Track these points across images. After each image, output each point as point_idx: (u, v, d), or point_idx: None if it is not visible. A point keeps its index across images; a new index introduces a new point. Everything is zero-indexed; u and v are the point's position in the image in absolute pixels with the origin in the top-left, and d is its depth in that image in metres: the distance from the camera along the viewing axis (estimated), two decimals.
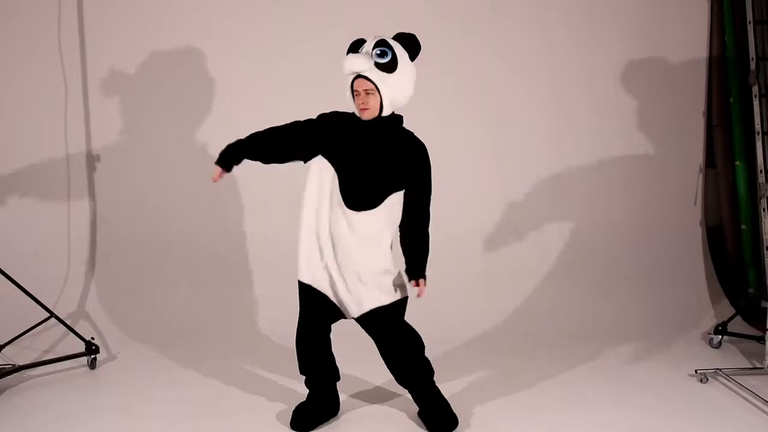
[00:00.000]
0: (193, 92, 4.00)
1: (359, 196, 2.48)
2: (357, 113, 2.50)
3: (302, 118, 2.58)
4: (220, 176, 2.55)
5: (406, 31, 2.51)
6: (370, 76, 2.40)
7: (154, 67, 3.97)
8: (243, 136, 2.58)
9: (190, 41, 3.97)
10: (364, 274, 2.51)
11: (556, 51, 4.10)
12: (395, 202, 2.52)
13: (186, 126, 4.01)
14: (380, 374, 3.04)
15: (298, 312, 2.65)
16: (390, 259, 2.56)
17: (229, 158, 2.55)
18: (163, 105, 4.00)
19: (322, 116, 2.56)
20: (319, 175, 2.52)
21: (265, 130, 2.56)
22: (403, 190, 2.53)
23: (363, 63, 2.39)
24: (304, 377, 2.71)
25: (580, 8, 4.09)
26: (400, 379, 2.67)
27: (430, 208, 2.58)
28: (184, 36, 3.96)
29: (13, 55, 3.91)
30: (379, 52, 2.40)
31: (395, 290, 2.56)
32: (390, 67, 2.41)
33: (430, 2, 4.03)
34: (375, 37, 2.45)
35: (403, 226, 2.57)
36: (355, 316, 2.56)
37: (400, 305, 2.59)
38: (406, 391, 2.72)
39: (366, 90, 2.42)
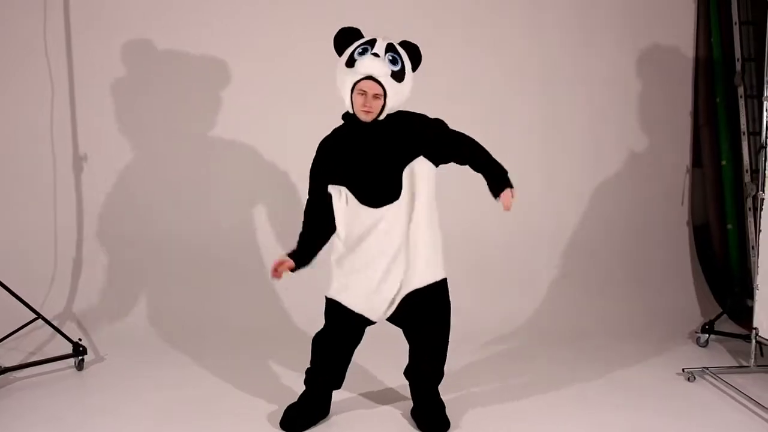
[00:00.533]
0: (182, 91, 3.98)
1: (377, 194, 2.48)
2: (354, 111, 2.47)
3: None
4: (284, 271, 2.56)
5: (412, 41, 2.51)
6: (384, 83, 2.40)
7: (142, 66, 3.95)
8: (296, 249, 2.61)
9: (178, 40, 3.94)
10: (411, 257, 2.51)
11: (547, 52, 4.11)
12: (414, 173, 2.50)
13: (174, 125, 3.99)
14: (376, 372, 3.05)
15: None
16: (435, 235, 2.56)
17: (301, 256, 2.57)
18: (151, 104, 3.98)
19: (320, 148, 2.57)
20: (335, 203, 2.54)
21: (303, 228, 2.60)
22: (416, 160, 2.50)
23: (382, 68, 2.38)
24: (305, 373, 2.69)
25: (573, 10, 4.11)
26: (413, 369, 2.65)
27: (463, 134, 2.59)
28: (173, 34, 3.94)
29: None
30: (391, 57, 2.41)
31: (442, 269, 2.57)
32: (400, 75, 2.43)
33: (424, 2, 4.03)
34: (383, 38, 2.44)
35: (464, 156, 2.57)
36: (409, 291, 2.52)
37: (447, 289, 2.60)
38: (401, 392, 2.72)
39: (375, 94, 2.41)
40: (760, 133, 3.50)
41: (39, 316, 3.28)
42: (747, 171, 3.86)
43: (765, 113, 3.20)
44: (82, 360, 3.22)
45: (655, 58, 4.17)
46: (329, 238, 2.59)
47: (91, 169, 3.98)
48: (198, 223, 4.01)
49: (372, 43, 2.42)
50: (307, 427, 2.62)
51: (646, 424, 2.69)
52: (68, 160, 3.97)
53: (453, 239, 4.00)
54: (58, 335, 3.31)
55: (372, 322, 2.60)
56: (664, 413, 2.77)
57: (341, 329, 2.59)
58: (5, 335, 3.29)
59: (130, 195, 3.99)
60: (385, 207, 2.48)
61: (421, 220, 2.52)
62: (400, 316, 2.57)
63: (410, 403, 2.74)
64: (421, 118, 2.57)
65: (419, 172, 2.51)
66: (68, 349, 3.23)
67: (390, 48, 2.42)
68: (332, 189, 2.54)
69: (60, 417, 2.71)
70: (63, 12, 3.88)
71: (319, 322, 2.67)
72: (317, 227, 2.58)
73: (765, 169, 3.07)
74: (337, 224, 2.55)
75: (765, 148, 3.12)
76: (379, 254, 2.50)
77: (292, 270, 2.58)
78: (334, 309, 2.58)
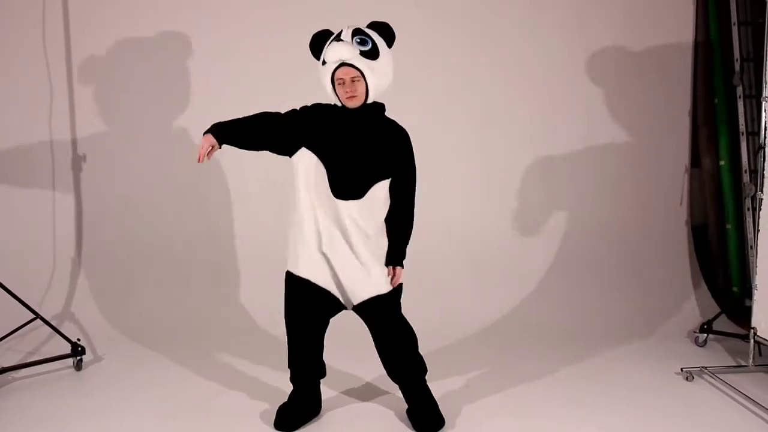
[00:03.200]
0: (180, 90, 3.98)
1: (346, 185, 2.49)
2: (340, 102, 2.49)
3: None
4: (210, 153, 2.47)
5: (379, 20, 2.53)
6: (356, 64, 2.42)
7: (141, 67, 3.95)
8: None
9: (176, 38, 3.95)
10: (360, 262, 2.51)
11: (547, 53, 4.12)
12: (380, 191, 2.53)
13: (173, 125, 3.99)
14: (369, 371, 3.05)
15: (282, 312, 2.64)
16: (383, 247, 2.57)
17: (217, 133, 2.49)
18: (150, 104, 3.98)
19: (304, 108, 2.57)
20: (305, 168, 2.52)
21: (250, 115, 2.54)
22: (388, 180, 2.54)
23: (349, 51, 2.40)
24: (289, 373, 2.70)
25: (572, 10, 4.11)
26: (393, 373, 2.67)
27: (414, 196, 2.60)
28: (171, 33, 3.94)
29: None
30: (359, 40, 2.43)
31: (390, 280, 2.57)
32: (373, 53, 2.44)
33: (424, 2, 4.03)
34: (348, 26, 2.46)
35: (388, 213, 2.57)
36: (355, 303, 2.56)
37: (397, 295, 2.61)
38: (395, 388, 2.73)
39: (353, 77, 2.43)
40: (758, 133, 3.51)
41: (37, 316, 3.28)
42: (746, 171, 3.86)
43: (764, 113, 3.19)
44: (81, 360, 3.22)
45: (653, 58, 4.17)
46: (252, 147, 2.55)
47: (89, 170, 3.98)
48: (196, 224, 4.01)
49: (339, 34, 2.46)
50: (301, 425, 2.63)
51: (644, 423, 2.69)
52: (67, 160, 3.97)
53: (451, 238, 4.05)
54: (57, 335, 3.31)
55: (337, 301, 2.57)
56: (662, 412, 2.77)
57: (310, 307, 2.57)
58: (4, 335, 3.30)
59: (129, 195, 3.99)
60: (346, 201, 2.49)
61: (374, 233, 2.54)
62: (362, 312, 2.59)
63: (403, 401, 2.73)
64: (404, 142, 2.57)
65: (382, 193, 2.54)
66: (67, 349, 3.23)
67: (357, 32, 2.44)
68: (305, 154, 2.50)
69: (58, 417, 2.71)
70: (62, 13, 3.89)
71: None
72: (260, 129, 2.51)
73: (764, 169, 3.07)
74: (298, 184, 2.52)
75: (764, 148, 3.12)
76: (338, 240, 2.50)
77: (219, 143, 2.49)
78: (294, 283, 2.57)
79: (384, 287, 2.55)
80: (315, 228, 2.52)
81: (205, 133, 2.50)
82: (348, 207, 2.49)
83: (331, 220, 2.50)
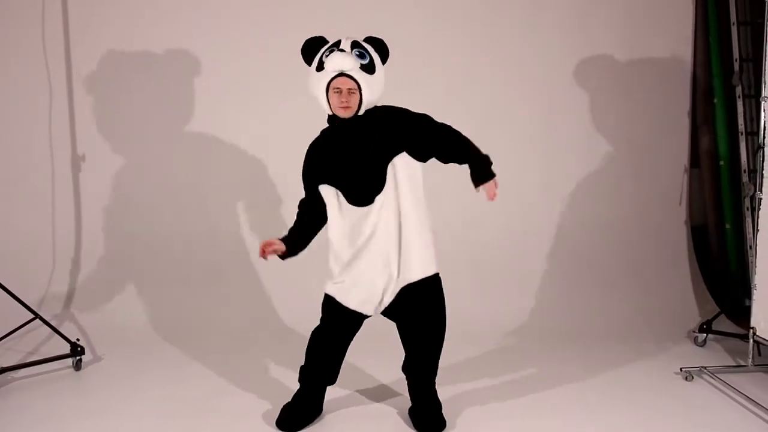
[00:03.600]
0: (179, 92, 3.98)
1: (360, 193, 2.52)
2: (332, 111, 2.50)
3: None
4: (273, 253, 2.61)
5: (376, 36, 2.55)
6: (355, 76, 2.44)
7: (140, 67, 3.95)
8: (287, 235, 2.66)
9: (175, 40, 3.95)
10: (401, 253, 2.54)
11: (546, 53, 4.12)
12: (400, 171, 2.53)
13: (172, 125, 3.99)
14: (372, 371, 3.05)
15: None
16: (425, 230, 2.58)
17: (292, 247, 2.63)
18: (149, 104, 3.98)
19: (306, 159, 2.62)
20: (328, 199, 2.58)
21: (296, 220, 2.67)
22: (401, 155, 2.53)
23: (351, 62, 2.42)
24: (299, 371, 2.69)
25: (572, 11, 4.11)
26: (410, 363, 2.66)
27: (450, 128, 2.64)
28: (170, 35, 3.94)
29: None
30: (358, 53, 2.45)
31: (434, 264, 2.59)
32: (370, 68, 2.47)
33: (424, 2, 4.03)
34: (347, 38, 2.48)
35: (445, 153, 2.60)
36: (405, 284, 2.55)
37: (440, 283, 2.62)
38: (396, 389, 2.72)
39: (349, 89, 2.45)
40: (757, 133, 3.51)
41: (37, 316, 3.28)
42: (745, 171, 3.86)
43: (763, 113, 3.19)
44: (80, 360, 3.22)
45: (653, 58, 4.17)
46: (318, 232, 2.66)
47: (89, 170, 3.98)
48: (195, 224, 4.01)
49: (337, 44, 2.48)
50: (304, 426, 2.63)
51: (643, 423, 2.69)
52: (66, 160, 3.97)
53: (451, 238, 4.05)
54: (56, 335, 3.31)
55: (367, 316, 2.61)
56: (661, 412, 2.77)
57: (336, 324, 2.61)
58: (3, 335, 3.30)
59: (128, 195, 3.99)
60: (372, 202, 2.51)
61: (410, 215, 2.55)
62: (395, 309, 2.60)
63: (405, 401, 2.74)
64: (404, 114, 2.58)
65: (401, 168, 2.54)
66: (66, 349, 3.23)
67: (355, 44, 2.48)
68: (324, 189, 2.58)
69: (58, 417, 2.71)
70: (61, 14, 3.89)
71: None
72: (309, 221, 2.65)
73: (763, 169, 3.07)
74: (330, 222, 2.59)
75: (763, 148, 3.12)
76: (371, 250, 2.53)
77: (281, 257, 2.63)
78: (329, 304, 2.61)
79: (431, 269, 2.57)
80: (354, 251, 2.54)
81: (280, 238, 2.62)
82: (371, 208, 2.51)
83: (364, 231, 2.52)
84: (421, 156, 2.57)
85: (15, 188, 3.92)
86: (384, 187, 2.51)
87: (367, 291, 2.56)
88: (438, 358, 2.67)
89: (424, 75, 4.01)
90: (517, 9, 4.09)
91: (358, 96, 2.47)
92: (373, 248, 2.54)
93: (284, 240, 2.63)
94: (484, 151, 2.60)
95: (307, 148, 2.63)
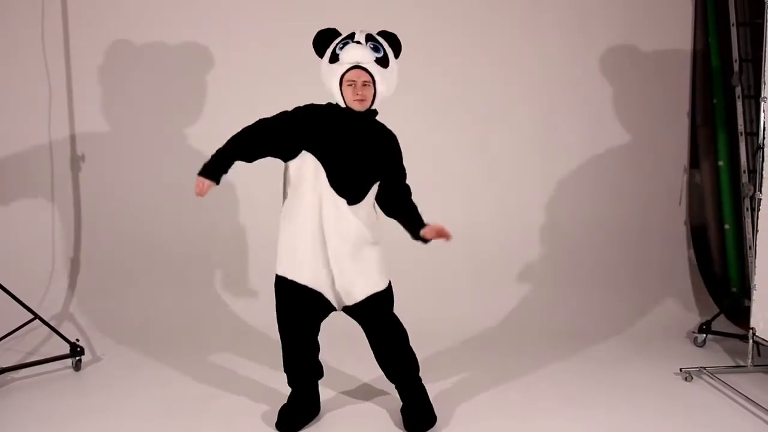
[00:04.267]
0: (179, 91, 3.98)
1: (347, 186, 2.50)
2: (345, 103, 2.48)
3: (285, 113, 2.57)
4: (208, 188, 2.50)
5: (389, 30, 2.54)
6: (370, 69, 2.43)
7: (140, 66, 3.95)
8: (221, 145, 2.54)
9: (176, 39, 3.95)
10: (358, 262, 2.53)
11: (546, 53, 4.12)
12: (373, 192, 2.58)
13: (171, 125, 3.99)
14: (369, 371, 3.05)
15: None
16: (378, 245, 2.59)
17: (215, 168, 2.51)
18: (149, 104, 3.98)
19: (298, 110, 2.55)
20: (300, 170, 2.51)
21: (243, 131, 2.54)
22: (379, 181, 2.57)
23: (367, 55, 2.41)
24: (285, 373, 2.70)
25: (572, 10, 4.11)
26: (388, 371, 2.67)
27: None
28: (170, 34, 3.94)
29: None
30: (372, 46, 2.43)
31: (385, 277, 2.59)
32: (385, 61, 2.46)
33: (424, 2, 4.04)
34: (360, 30, 2.46)
35: (391, 208, 2.61)
36: (350, 304, 2.56)
37: (391, 293, 2.62)
38: (393, 388, 2.72)
39: (364, 81, 2.44)
40: (757, 134, 3.51)
41: (36, 316, 3.28)
42: (744, 171, 3.87)
43: (762, 114, 3.20)
44: (80, 360, 3.22)
45: (652, 59, 4.17)
46: (255, 159, 2.56)
47: (88, 170, 3.97)
48: (194, 224, 4.01)
49: (351, 36, 2.46)
50: (302, 426, 2.63)
51: (642, 423, 2.69)
52: (66, 160, 3.96)
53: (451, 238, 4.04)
54: (56, 335, 3.30)
55: (329, 303, 2.58)
56: (661, 413, 2.77)
57: (295, 305, 2.57)
58: (3, 335, 3.29)
59: (127, 195, 3.99)
60: (349, 201, 2.50)
61: (371, 231, 2.56)
62: (356, 312, 2.60)
63: (398, 401, 2.73)
64: (395, 143, 2.60)
65: (373, 194, 2.58)
66: (65, 349, 3.22)
67: (369, 38, 2.46)
68: (305, 157, 2.49)
69: (57, 417, 2.70)
70: (61, 13, 3.88)
71: None
72: (251, 148, 2.52)
73: (762, 170, 3.08)
74: (289, 189, 2.55)
75: (762, 148, 3.12)
76: (338, 241, 2.50)
77: (216, 181, 2.52)
78: (286, 287, 2.57)
79: (381, 285, 2.56)
80: (313, 230, 2.51)
81: (200, 172, 2.48)
82: (350, 207, 2.50)
83: (333, 222, 2.50)
84: (386, 184, 2.60)
85: (14, 188, 3.92)
86: (364, 196, 2.53)
87: (322, 274, 2.52)
88: (409, 356, 2.65)
89: (424, 75, 4.01)
90: (516, 9, 4.09)
91: (372, 89, 2.46)
92: (336, 239, 2.49)
93: (209, 168, 2.48)
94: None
95: (306, 104, 2.54)
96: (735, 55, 3.91)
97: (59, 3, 3.88)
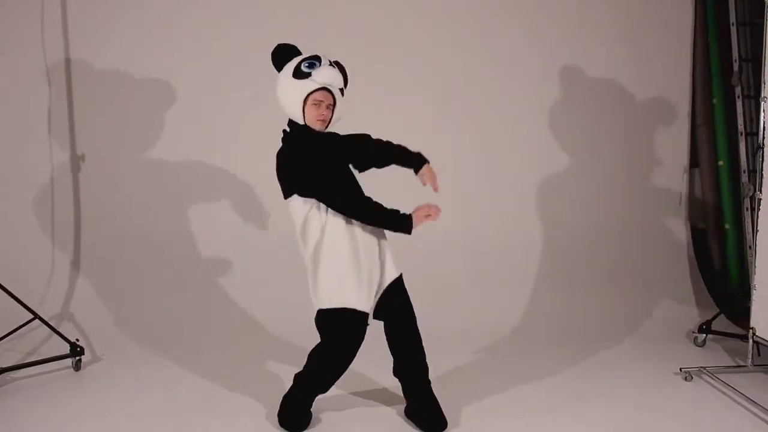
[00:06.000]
0: (179, 90, 3.98)
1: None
2: (308, 122, 2.48)
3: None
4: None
5: (340, 62, 2.52)
6: (335, 93, 2.47)
7: (140, 65, 3.95)
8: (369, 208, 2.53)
9: (175, 38, 3.95)
10: (381, 250, 2.58)
11: (545, 53, 4.12)
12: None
13: (172, 125, 3.99)
14: (370, 371, 3.05)
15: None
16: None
17: (400, 217, 2.50)
18: (149, 104, 3.98)
19: (312, 150, 2.52)
20: (307, 206, 2.53)
21: (356, 199, 2.52)
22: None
23: (338, 79, 2.45)
24: (293, 377, 2.68)
25: (571, 11, 4.11)
26: (408, 363, 2.65)
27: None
28: (170, 32, 3.94)
29: None
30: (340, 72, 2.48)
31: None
32: (342, 90, 2.52)
33: (423, 2, 4.03)
34: (324, 55, 2.47)
35: (376, 159, 2.65)
36: (383, 289, 2.57)
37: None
38: (395, 389, 2.72)
39: (328, 105, 2.47)
40: (757, 134, 3.51)
41: (36, 316, 3.28)
42: (744, 171, 3.87)
43: (762, 113, 3.20)
44: (80, 360, 3.22)
45: (653, 59, 4.18)
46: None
47: (88, 170, 3.98)
48: (194, 225, 4.01)
49: (317, 58, 2.45)
50: (307, 426, 2.63)
51: (643, 423, 2.69)
52: (66, 160, 3.96)
53: (450, 238, 4.05)
54: (56, 335, 3.30)
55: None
56: (661, 412, 2.77)
57: (357, 338, 2.53)
58: (3, 335, 3.29)
59: (127, 195, 3.99)
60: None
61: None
62: (381, 308, 2.59)
63: (398, 401, 2.72)
64: (345, 136, 2.63)
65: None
66: (65, 349, 3.22)
67: (337, 64, 2.49)
68: (309, 201, 2.50)
69: (57, 417, 2.71)
70: (60, 13, 3.88)
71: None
72: (359, 192, 2.57)
73: (762, 170, 3.08)
74: (337, 226, 2.50)
75: (762, 148, 3.12)
76: (362, 251, 2.51)
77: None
78: (349, 319, 2.50)
79: (399, 268, 2.62)
80: (355, 246, 2.51)
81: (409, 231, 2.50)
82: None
83: (368, 237, 2.53)
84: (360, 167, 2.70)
85: (15, 188, 3.92)
86: None
87: (370, 288, 2.53)
88: (424, 355, 2.66)
89: (424, 75, 4.01)
90: (516, 9, 4.09)
91: (331, 113, 2.49)
92: (363, 249, 2.52)
93: (395, 212, 2.48)
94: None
95: (297, 153, 2.50)
96: (735, 54, 3.91)
97: (59, 3, 3.88)
